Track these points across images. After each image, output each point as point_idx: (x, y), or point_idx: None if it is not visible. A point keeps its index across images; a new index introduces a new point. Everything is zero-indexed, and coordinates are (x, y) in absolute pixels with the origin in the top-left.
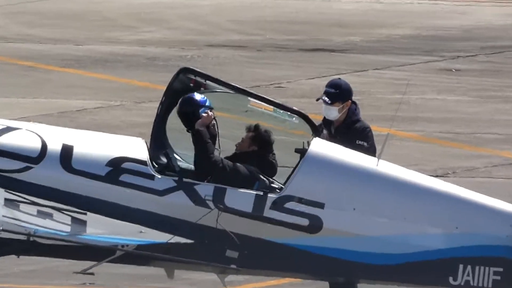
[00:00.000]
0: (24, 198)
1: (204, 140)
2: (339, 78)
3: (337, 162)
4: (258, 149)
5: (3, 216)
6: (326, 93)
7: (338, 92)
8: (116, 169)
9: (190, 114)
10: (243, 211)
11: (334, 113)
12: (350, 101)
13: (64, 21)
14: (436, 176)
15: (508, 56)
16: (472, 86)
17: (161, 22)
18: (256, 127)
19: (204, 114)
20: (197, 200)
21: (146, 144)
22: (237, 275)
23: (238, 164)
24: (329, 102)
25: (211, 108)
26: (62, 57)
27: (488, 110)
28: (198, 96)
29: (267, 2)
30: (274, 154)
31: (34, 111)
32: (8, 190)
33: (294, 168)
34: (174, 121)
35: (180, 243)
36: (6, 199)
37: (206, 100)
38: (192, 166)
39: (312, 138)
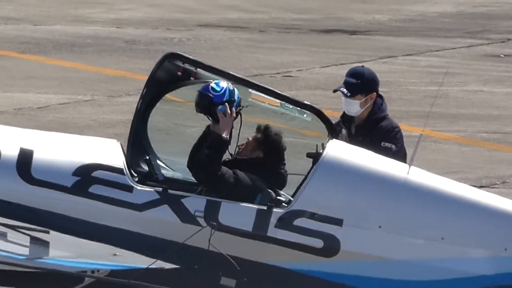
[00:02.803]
0: None
1: (215, 146)
2: (362, 66)
3: (358, 169)
4: (263, 156)
5: None
6: (346, 84)
7: (359, 83)
8: (85, 178)
9: (208, 111)
10: (242, 230)
11: (355, 107)
12: (375, 93)
13: None
14: (481, 187)
15: None
16: None
17: None
18: (266, 128)
19: (219, 115)
20: (185, 216)
21: (123, 147)
22: None
23: (238, 171)
24: (349, 94)
25: (231, 102)
26: (17, 40)
27: None
28: (217, 87)
29: None
30: (284, 163)
31: None
32: None
33: (306, 177)
34: (157, 119)
35: (163, 269)
36: None
37: (224, 93)
38: (179, 174)
39: (328, 140)
